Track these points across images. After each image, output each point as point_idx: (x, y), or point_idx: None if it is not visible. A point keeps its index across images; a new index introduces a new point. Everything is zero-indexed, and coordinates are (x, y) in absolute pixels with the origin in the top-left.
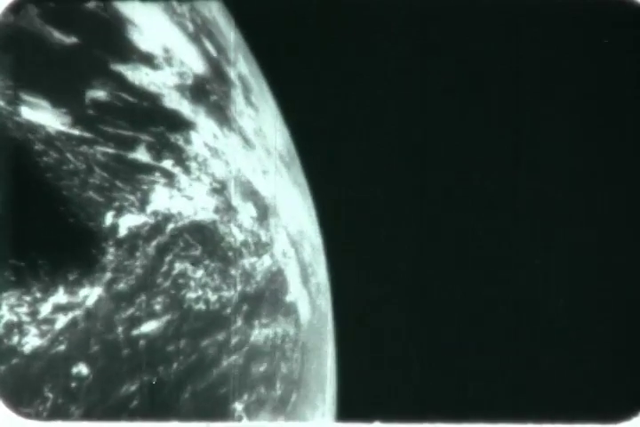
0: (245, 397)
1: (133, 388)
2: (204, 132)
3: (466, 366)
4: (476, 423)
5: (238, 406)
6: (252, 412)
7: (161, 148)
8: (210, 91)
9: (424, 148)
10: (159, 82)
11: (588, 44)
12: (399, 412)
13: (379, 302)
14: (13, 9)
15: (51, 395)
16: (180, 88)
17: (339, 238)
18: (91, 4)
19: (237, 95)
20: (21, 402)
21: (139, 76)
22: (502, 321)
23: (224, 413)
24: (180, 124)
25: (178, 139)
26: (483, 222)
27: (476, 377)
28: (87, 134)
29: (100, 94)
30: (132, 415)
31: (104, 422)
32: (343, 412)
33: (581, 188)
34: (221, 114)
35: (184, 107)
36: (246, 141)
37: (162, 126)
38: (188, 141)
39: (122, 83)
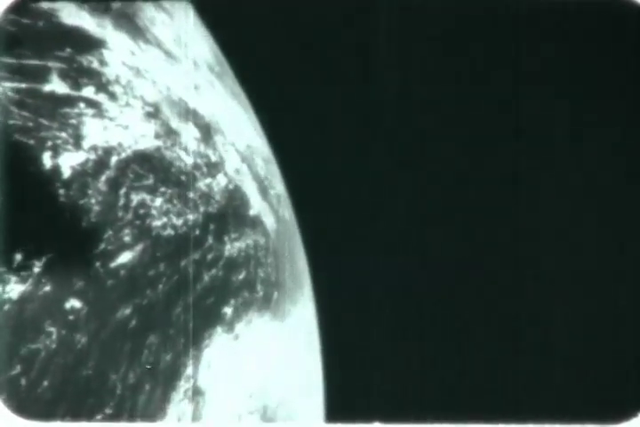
0: (232, 302)
1: (128, 311)
2: (119, 50)
3: (465, 365)
4: (476, 423)
5: (228, 311)
6: (240, 313)
7: (76, 74)
8: None
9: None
10: None
11: (588, 44)
12: (398, 412)
13: (339, 208)
14: (13, 9)
15: (53, 329)
16: None
17: (288, 148)
18: None
19: None
20: (26, 340)
21: None
22: (502, 321)
23: (216, 319)
24: (89, 43)
25: (91, 61)
26: (483, 212)
27: (476, 377)
28: None
29: None
30: (133, 334)
31: (104, 421)
32: (342, 412)
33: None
34: (131, 24)
35: (86, 21)
36: (168, 54)
37: (68, 49)
38: (103, 63)
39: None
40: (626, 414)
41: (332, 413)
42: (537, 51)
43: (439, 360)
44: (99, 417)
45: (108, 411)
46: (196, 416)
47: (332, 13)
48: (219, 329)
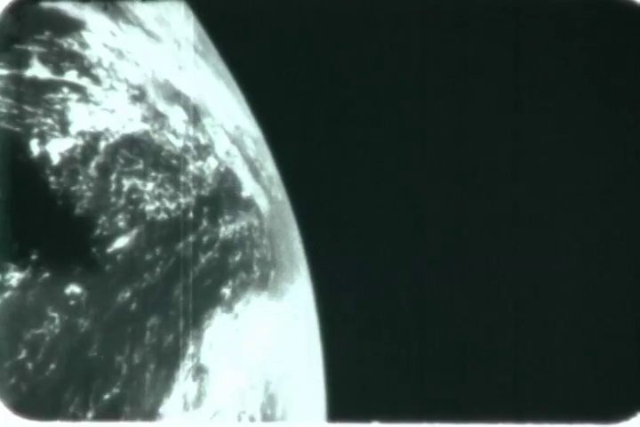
0: (230, 282)
1: (128, 294)
2: (99, 31)
3: (466, 365)
4: (476, 423)
5: (226, 291)
6: (238, 293)
7: (57, 58)
8: None
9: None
10: None
11: (588, 44)
12: (398, 412)
13: (332, 186)
14: (13, 9)
15: (56, 314)
16: None
17: (277, 127)
18: None
19: None
20: (30, 326)
21: None
22: (502, 320)
23: (215, 299)
24: (67, 25)
25: (71, 44)
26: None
27: (476, 377)
28: None
29: None
30: (134, 317)
31: (104, 421)
32: (341, 412)
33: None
34: (110, 4)
35: (63, 2)
36: (149, 34)
37: (46, 31)
38: (84, 45)
39: None
40: (626, 414)
41: (332, 412)
42: (537, 51)
43: (438, 360)
44: (107, 396)
45: (115, 390)
46: (200, 393)
47: None
48: (218, 309)
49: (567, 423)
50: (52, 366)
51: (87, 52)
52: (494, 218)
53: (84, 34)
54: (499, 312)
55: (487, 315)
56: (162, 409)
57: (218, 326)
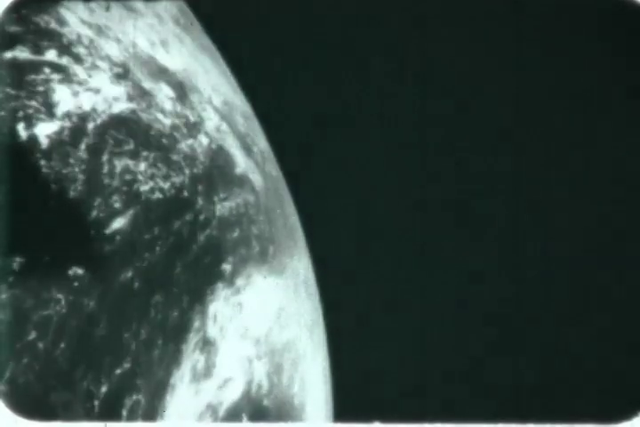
0: (230, 258)
1: (130, 274)
2: (75, 7)
3: (466, 366)
4: (477, 423)
5: (227, 267)
6: (239, 269)
7: (34, 37)
8: None
9: None
10: None
11: (588, 44)
12: (399, 412)
13: (323, 161)
14: (13, 9)
15: (60, 295)
16: None
17: (267, 102)
18: None
19: None
20: (37, 307)
21: None
22: (503, 321)
23: (216, 275)
24: (42, 2)
25: (48, 21)
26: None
27: (477, 377)
28: None
29: None
30: (138, 295)
31: (104, 421)
32: (343, 412)
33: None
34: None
35: None
36: (129, 8)
37: (22, 9)
38: (61, 22)
39: None
40: (626, 414)
41: (333, 413)
42: (537, 50)
43: (440, 360)
44: (118, 372)
45: (126, 365)
46: (209, 364)
47: None
48: (220, 285)
49: (568, 423)
50: (62, 346)
51: (65, 30)
52: (494, 217)
53: (61, 11)
54: (501, 313)
55: (489, 316)
56: (172, 380)
57: (221, 300)
